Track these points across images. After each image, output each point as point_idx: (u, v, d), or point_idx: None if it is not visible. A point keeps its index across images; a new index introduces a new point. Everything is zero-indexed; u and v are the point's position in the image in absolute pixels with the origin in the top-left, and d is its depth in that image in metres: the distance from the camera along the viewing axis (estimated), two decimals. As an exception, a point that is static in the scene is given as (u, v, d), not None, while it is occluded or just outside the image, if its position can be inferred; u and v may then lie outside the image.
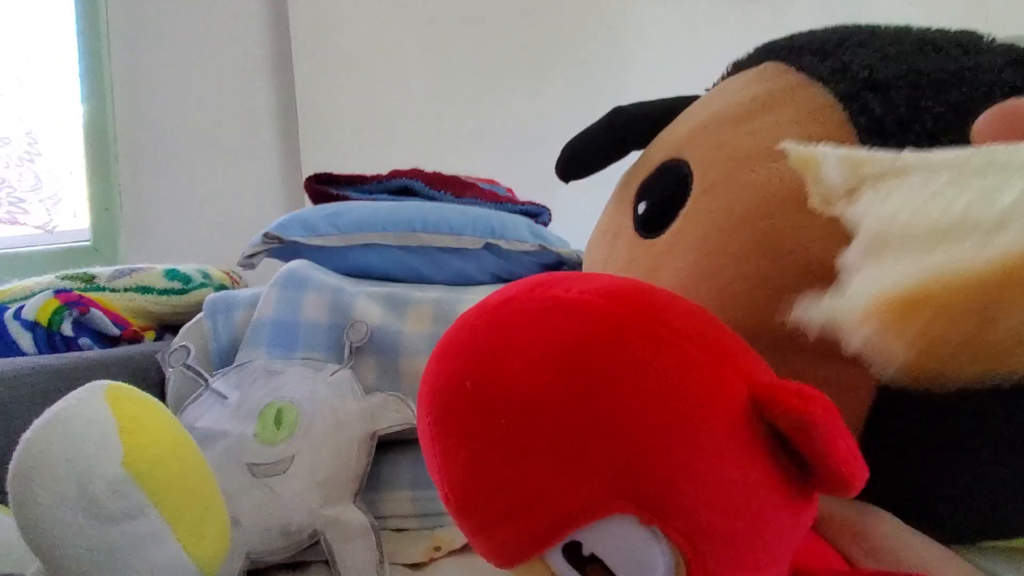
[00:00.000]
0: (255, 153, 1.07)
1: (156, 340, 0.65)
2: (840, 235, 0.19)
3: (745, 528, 0.15)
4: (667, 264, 0.24)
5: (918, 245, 0.12)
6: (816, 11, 1.08)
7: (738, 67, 0.29)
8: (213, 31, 1.07)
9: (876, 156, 0.15)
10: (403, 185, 0.64)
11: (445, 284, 0.55)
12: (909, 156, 0.14)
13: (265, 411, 0.42)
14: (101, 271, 0.65)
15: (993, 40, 0.23)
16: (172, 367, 0.43)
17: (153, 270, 0.66)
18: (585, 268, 0.35)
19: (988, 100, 0.19)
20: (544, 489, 0.15)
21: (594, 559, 0.16)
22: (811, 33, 0.26)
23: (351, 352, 0.46)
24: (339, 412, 0.42)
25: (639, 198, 0.29)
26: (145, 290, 0.64)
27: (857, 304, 0.13)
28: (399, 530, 0.41)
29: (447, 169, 0.66)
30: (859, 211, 0.14)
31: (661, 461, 0.14)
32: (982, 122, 0.15)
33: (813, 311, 0.14)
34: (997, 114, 0.15)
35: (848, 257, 0.14)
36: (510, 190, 0.69)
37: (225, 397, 0.43)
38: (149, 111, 1.07)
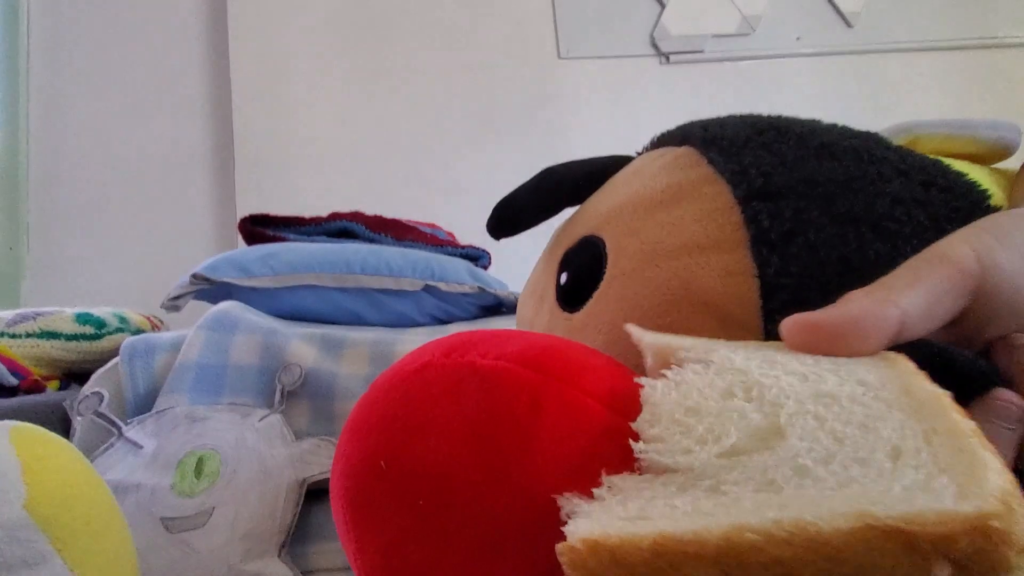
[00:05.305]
0: (185, 193, 1.04)
1: (60, 390, 0.59)
2: (730, 334, 0.20)
3: None
4: (582, 340, 0.25)
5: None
6: (729, 76, 1.21)
7: (662, 140, 0.30)
8: (147, 65, 1.04)
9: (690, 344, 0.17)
10: (343, 227, 0.64)
11: (383, 326, 0.55)
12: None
13: (185, 460, 0.39)
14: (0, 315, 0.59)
15: (889, 146, 0.24)
16: (81, 415, 0.40)
17: (62, 313, 0.61)
18: (517, 321, 0.36)
19: (870, 211, 0.20)
20: None
21: None
22: (724, 125, 0.27)
23: (283, 396, 0.44)
24: (266, 459, 0.40)
25: (562, 267, 0.30)
26: (51, 335, 0.59)
27: None
28: (329, 584, 0.39)
29: (389, 214, 0.67)
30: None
31: None
32: (785, 328, 0.16)
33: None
34: (796, 325, 0.16)
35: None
36: (451, 234, 0.71)
37: (140, 447, 0.40)
38: (67, 145, 1.01)
